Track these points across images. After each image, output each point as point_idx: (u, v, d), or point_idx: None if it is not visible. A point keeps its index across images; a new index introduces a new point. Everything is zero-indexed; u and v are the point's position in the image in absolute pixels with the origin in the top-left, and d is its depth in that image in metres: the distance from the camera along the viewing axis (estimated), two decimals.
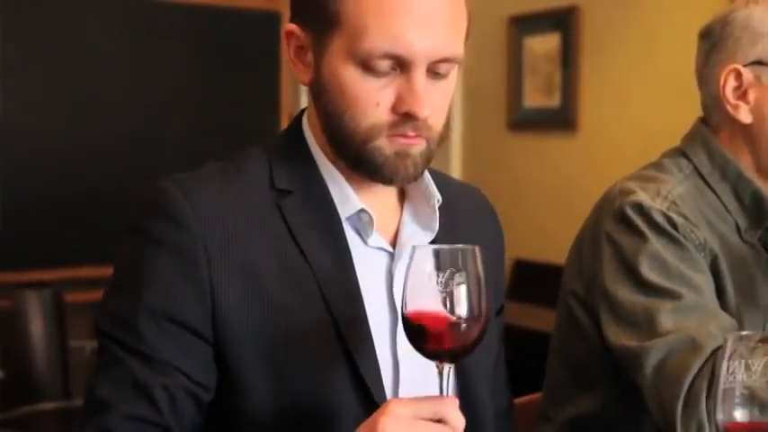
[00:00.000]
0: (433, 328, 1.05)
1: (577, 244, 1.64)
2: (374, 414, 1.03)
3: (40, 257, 4.24)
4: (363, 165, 1.21)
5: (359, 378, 1.20)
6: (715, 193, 1.56)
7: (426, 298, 1.05)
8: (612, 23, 4.29)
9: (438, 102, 1.20)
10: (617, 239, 1.50)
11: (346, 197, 1.26)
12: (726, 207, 1.56)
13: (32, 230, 4.24)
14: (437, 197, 1.30)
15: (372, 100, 1.18)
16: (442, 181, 1.37)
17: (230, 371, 1.19)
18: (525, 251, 4.56)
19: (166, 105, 4.53)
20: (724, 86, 1.55)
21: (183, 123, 4.57)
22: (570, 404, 1.63)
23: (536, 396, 1.78)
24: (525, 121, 4.77)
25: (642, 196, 1.51)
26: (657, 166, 1.62)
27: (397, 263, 1.26)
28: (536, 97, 4.71)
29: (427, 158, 1.23)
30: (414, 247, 1.07)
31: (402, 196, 1.33)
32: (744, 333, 1.05)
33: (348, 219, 1.26)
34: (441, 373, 1.08)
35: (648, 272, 1.45)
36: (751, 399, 1.01)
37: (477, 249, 1.06)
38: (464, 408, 1.17)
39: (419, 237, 1.29)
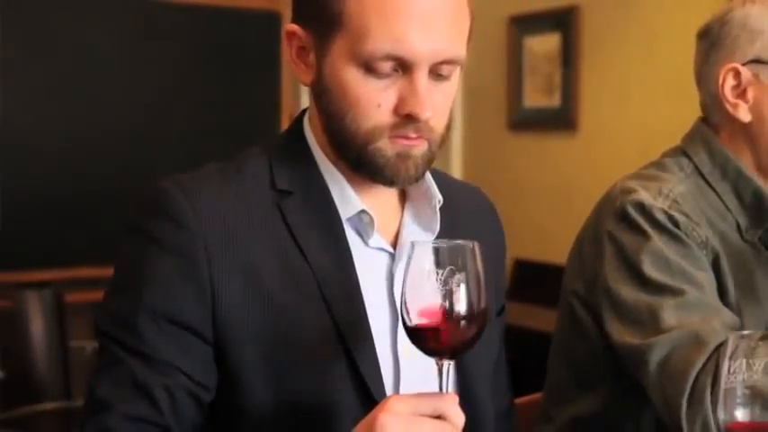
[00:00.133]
0: (433, 324, 1.05)
1: (578, 244, 1.64)
2: (373, 410, 1.03)
3: (41, 257, 4.24)
4: (365, 166, 1.21)
5: (359, 377, 1.20)
6: (716, 193, 1.57)
7: (425, 294, 1.05)
8: (613, 23, 4.29)
9: (440, 103, 1.20)
10: (619, 238, 1.50)
11: (347, 198, 1.26)
12: (726, 206, 1.56)
13: (32, 230, 4.24)
14: (438, 198, 1.30)
15: (374, 101, 1.17)
16: (443, 181, 1.37)
17: (230, 370, 1.18)
18: (525, 251, 4.56)
19: (166, 105, 4.53)
20: (723, 85, 1.55)
21: (183, 123, 4.57)
22: (571, 404, 1.63)
23: (536, 396, 1.78)
24: (525, 121, 4.77)
25: (644, 195, 1.51)
26: (658, 165, 1.62)
27: (397, 263, 1.26)
28: (536, 97, 4.70)
29: (428, 160, 1.23)
30: (413, 244, 1.07)
31: (403, 197, 1.33)
32: (744, 333, 1.05)
33: (349, 220, 1.26)
34: (440, 370, 1.08)
35: (651, 269, 1.45)
36: (752, 398, 1.01)
37: (475, 245, 1.07)
38: (464, 407, 1.17)
39: (420, 237, 1.29)
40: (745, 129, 1.56)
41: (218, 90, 4.65)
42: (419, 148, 1.20)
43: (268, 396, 1.18)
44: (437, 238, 1.30)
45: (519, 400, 1.58)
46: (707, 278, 1.47)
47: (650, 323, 1.42)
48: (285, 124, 4.66)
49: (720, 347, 1.32)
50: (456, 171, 5.06)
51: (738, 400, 1.01)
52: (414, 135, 1.19)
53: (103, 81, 4.38)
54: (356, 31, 1.15)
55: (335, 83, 1.19)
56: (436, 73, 1.18)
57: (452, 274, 1.05)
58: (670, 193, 1.52)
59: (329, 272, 1.22)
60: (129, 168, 4.34)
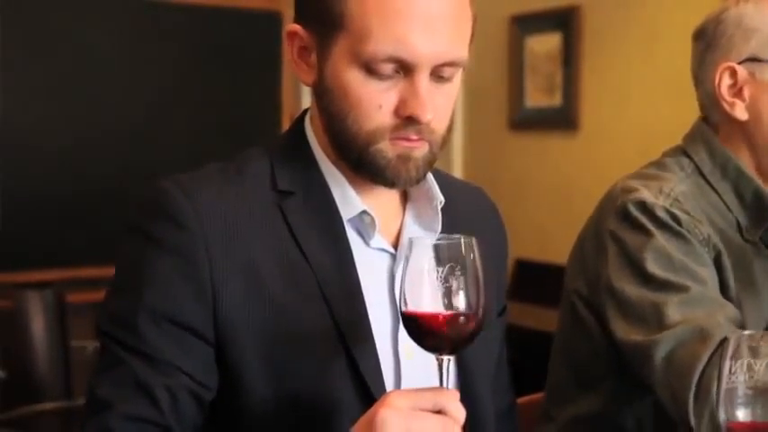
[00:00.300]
0: (432, 320, 1.06)
1: (579, 243, 1.64)
2: (374, 406, 1.03)
3: (41, 258, 4.24)
4: (366, 167, 1.21)
5: (359, 377, 1.20)
6: (716, 192, 1.57)
7: (425, 290, 1.06)
8: (614, 23, 4.29)
9: (441, 105, 1.20)
10: (621, 237, 1.50)
11: (348, 199, 1.26)
12: (727, 205, 1.56)
13: (33, 230, 4.24)
14: (440, 198, 1.30)
15: (375, 103, 1.17)
16: (445, 181, 1.36)
17: (231, 370, 1.18)
18: (526, 251, 4.56)
19: (166, 105, 4.53)
20: (719, 85, 1.55)
21: (183, 123, 4.57)
22: (572, 404, 1.63)
23: (537, 396, 1.78)
24: (526, 121, 4.77)
25: (645, 193, 1.51)
26: (659, 164, 1.62)
27: (398, 264, 1.26)
28: (537, 97, 4.70)
29: (429, 162, 1.23)
30: (411, 240, 1.08)
31: (404, 197, 1.33)
32: (745, 333, 1.05)
33: (350, 220, 1.26)
34: (440, 366, 1.08)
35: (654, 267, 1.45)
36: (754, 398, 1.01)
37: (473, 241, 1.07)
38: (465, 406, 1.17)
39: None
40: (742, 127, 1.56)
41: (218, 90, 4.65)
42: (420, 150, 1.20)
43: (268, 396, 1.18)
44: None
45: (520, 400, 1.58)
46: (710, 274, 1.48)
47: (654, 320, 1.42)
48: (286, 124, 4.67)
49: (724, 342, 1.32)
50: (457, 171, 5.06)
51: (740, 400, 1.01)
52: (415, 137, 1.18)
53: (103, 81, 4.38)
54: (358, 33, 1.15)
55: (337, 84, 1.19)
56: (438, 75, 1.18)
57: (451, 270, 1.05)
58: (671, 192, 1.52)
59: (330, 272, 1.22)
60: (129, 168, 4.34)
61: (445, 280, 1.05)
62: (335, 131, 1.22)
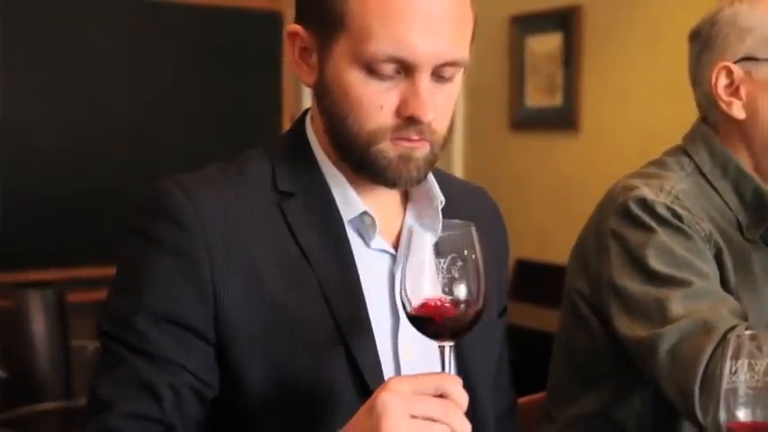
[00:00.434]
0: (432, 308, 1.06)
1: (580, 243, 1.64)
2: (375, 392, 1.03)
3: (41, 258, 4.24)
4: (367, 168, 1.21)
5: (359, 376, 1.20)
6: (716, 191, 1.57)
7: (425, 278, 1.07)
8: (614, 23, 4.29)
9: (442, 105, 1.19)
10: (623, 235, 1.50)
11: (349, 199, 1.26)
12: (727, 204, 1.56)
13: (33, 230, 4.24)
14: (440, 199, 1.29)
15: (376, 103, 1.17)
16: (446, 181, 1.36)
17: (231, 369, 1.18)
18: (527, 251, 4.56)
19: (167, 105, 4.53)
20: (716, 85, 1.56)
21: (183, 123, 4.56)
22: (573, 404, 1.63)
23: (538, 396, 1.78)
24: (527, 121, 4.77)
25: (645, 191, 1.51)
26: (659, 163, 1.63)
27: (398, 265, 1.26)
28: (538, 97, 4.70)
29: (430, 162, 1.23)
30: (410, 229, 1.09)
31: (405, 198, 1.33)
32: (746, 333, 1.05)
33: (350, 221, 1.25)
34: (442, 353, 1.08)
35: (656, 263, 1.45)
36: (754, 398, 1.01)
37: (473, 228, 1.08)
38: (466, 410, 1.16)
39: None
40: (740, 127, 1.57)
41: (218, 90, 4.65)
42: (421, 151, 1.20)
43: (269, 395, 1.18)
44: None
45: (520, 400, 1.58)
46: (711, 270, 1.48)
47: (658, 314, 1.42)
48: (286, 125, 4.67)
49: (731, 331, 1.33)
50: (457, 171, 5.06)
51: (740, 400, 1.01)
52: (416, 137, 1.18)
53: (103, 81, 4.38)
54: (359, 33, 1.15)
55: (338, 84, 1.19)
56: (439, 75, 1.18)
57: (451, 259, 1.06)
58: (672, 190, 1.53)
59: (331, 272, 1.22)
60: (129, 168, 4.34)
61: (446, 270, 1.06)
62: (336, 132, 1.22)
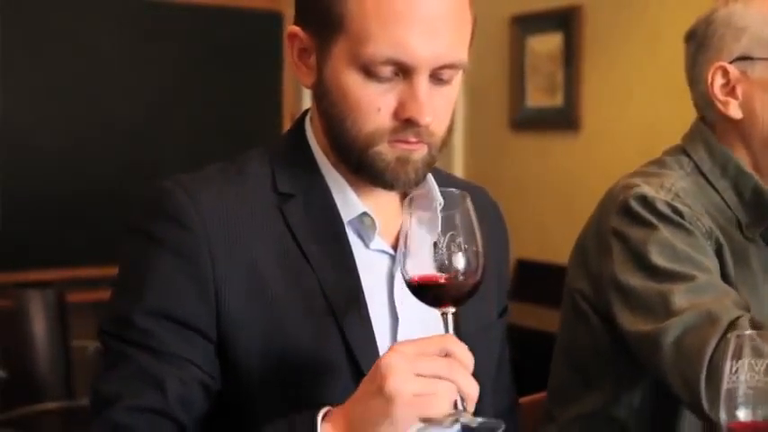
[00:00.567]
0: (433, 279, 1.07)
1: (581, 242, 1.64)
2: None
3: (41, 258, 4.24)
4: (365, 169, 1.21)
5: (360, 375, 1.19)
6: (716, 190, 1.57)
7: (424, 250, 1.08)
8: (615, 23, 4.28)
9: (440, 108, 1.19)
10: (624, 232, 1.50)
11: (348, 200, 1.26)
12: (727, 203, 1.57)
13: (33, 230, 4.25)
14: (439, 200, 1.29)
15: (374, 105, 1.17)
16: (447, 181, 1.36)
17: (233, 368, 1.19)
18: (527, 251, 4.56)
19: (167, 105, 4.53)
20: (712, 84, 1.57)
21: (183, 123, 4.57)
22: (575, 403, 1.63)
23: (538, 396, 1.78)
24: (528, 121, 4.77)
25: (646, 189, 1.51)
26: (659, 163, 1.63)
27: (398, 265, 1.26)
28: (538, 97, 4.70)
29: (429, 164, 1.23)
30: (411, 199, 1.11)
31: (404, 198, 1.33)
32: (746, 332, 1.05)
33: (350, 222, 1.26)
34: (445, 319, 1.09)
35: (659, 258, 1.45)
36: (755, 398, 1.01)
37: (467, 198, 1.10)
38: (464, 407, 1.16)
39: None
40: (737, 126, 1.57)
41: (219, 90, 4.65)
42: (419, 153, 1.20)
43: (269, 393, 1.18)
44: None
45: (521, 400, 1.58)
46: (714, 265, 1.48)
47: (662, 308, 1.42)
48: (287, 125, 4.67)
49: (736, 321, 1.33)
50: (458, 171, 5.05)
51: (740, 400, 1.01)
52: (414, 139, 1.18)
53: (103, 81, 4.38)
54: (357, 35, 1.15)
55: (336, 86, 1.19)
56: (437, 77, 1.17)
57: (453, 238, 1.08)
58: (672, 187, 1.53)
59: (331, 273, 1.22)
60: (129, 168, 4.35)
61: (446, 247, 1.07)
62: (335, 134, 1.22)
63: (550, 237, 4.52)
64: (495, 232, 1.45)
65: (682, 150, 1.63)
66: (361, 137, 1.19)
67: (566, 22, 4.48)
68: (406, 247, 1.09)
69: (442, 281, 1.08)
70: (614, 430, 1.59)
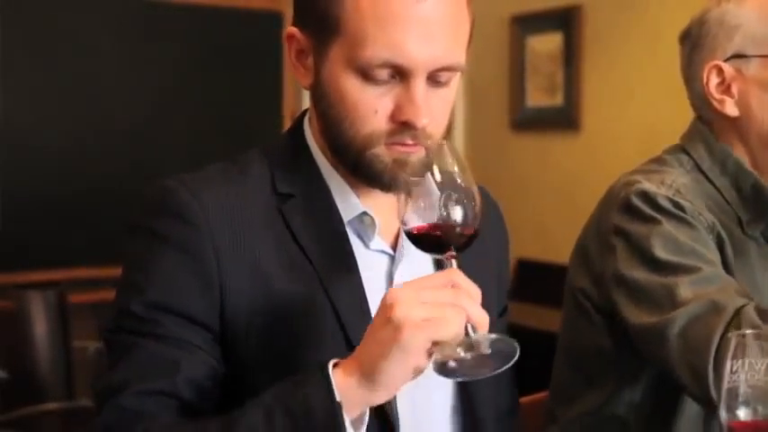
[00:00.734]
0: (433, 229, 1.08)
1: (582, 242, 1.64)
2: None
3: (42, 258, 4.24)
4: (362, 171, 1.21)
5: None
6: (715, 188, 1.58)
7: (424, 206, 1.09)
8: (615, 23, 4.28)
9: (437, 110, 1.19)
10: (626, 229, 1.50)
11: (348, 200, 1.26)
12: (727, 200, 1.57)
13: (32, 231, 4.25)
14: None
15: (371, 108, 1.17)
16: None
17: (235, 366, 1.19)
18: (528, 251, 4.56)
19: (167, 105, 4.53)
20: (707, 84, 1.58)
21: (184, 123, 4.57)
22: (577, 403, 1.63)
23: (539, 395, 1.78)
24: (528, 121, 4.77)
25: (647, 185, 1.52)
26: (659, 161, 1.63)
27: (397, 265, 1.26)
28: (538, 97, 4.70)
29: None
30: (414, 165, 1.12)
31: None
32: (747, 332, 1.05)
33: (349, 222, 1.26)
34: (450, 265, 1.09)
35: (662, 252, 1.45)
36: (755, 397, 1.01)
37: (448, 147, 1.10)
38: (464, 405, 1.16)
39: None
40: (734, 124, 1.58)
41: (219, 90, 4.65)
42: (416, 155, 1.20)
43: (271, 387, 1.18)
44: None
45: (522, 400, 1.58)
46: (717, 258, 1.48)
47: (667, 300, 1.42)
48: (287, 125, 4.66)
49: (742, 309, 1.33)
50: None
51: (741, 400, 1.01)
52: (410, 142, 1.18)
53: (103, 81, 4.38)
54: (354, 38, 1.15)
55: (333, 88, 1.19)
56: (434, 80, 1.17)
57: (449, 196, 1.08)
58: (673, 183, 1.53)
59: (333, 271, 1.22)
60: (130, 168, 4.35)
61: (444, 205, 1.08)
62: (332, 135, 1.22)
63: (551, 236, 4.53)
64: (495, 232, 1.45)
65: (681, 149, 1.63)
66: (358, 139, 1.19)
67: (566, 22, 4.48)
68: (405, 209, 1.10)
69: (439, 232, 1.08)
70: (615, 428, 1.59)
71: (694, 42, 1.61)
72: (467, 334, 1.03)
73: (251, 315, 1.18)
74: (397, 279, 1.24)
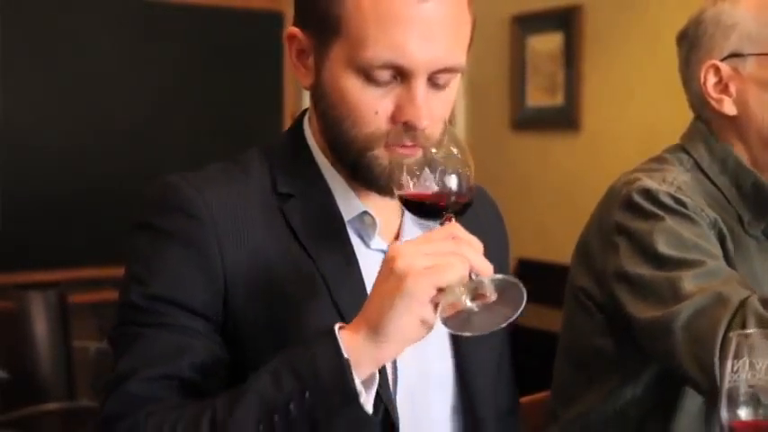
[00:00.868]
0: (430, 196, 1.08)
1: (583, 241, 1.64)
2: None
3: (43, 258, 4.24)
4: (361, 172, 1.21)
5: None
6: (716, 186, 1.58)
7: (420, 178, 1.09)
8: (615, 23, 4.28)
9: (437, 111, 1.19)
10: (629, 227, 1.50)
11: (348, 200, 1.26)
12: (727, 199, 1.57)
13: (32, 231, 4.25)
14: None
15: (371, 109, 1.17)
16: None
17: (237, 363, 1.19)
18: (528, 250, 4.56)
19: (167, 105, 4.53)
20: (705, 83, 1.58)
21: (184, 123, 4.57)
22: (578, 401, 1.63)
23: (540, 395, 1.78)
24: (528, 121, 4.77)
25: (648, 182, 1.52)
26: (659, 159, 1.64)
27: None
28: (539, 97, 4.70)
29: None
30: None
31: None
32: (747, 331, 1.05)
33: (350, 222, 1.26)
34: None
35: (665, 247, 1.45)
36: (756, 397, 1.01)
37: (450, 130, 1.11)
38: (464, 404, 1.16)
39: None
40: (733, 123, 1.58)
41: (219, 90, 4.65)
42: (414, 158, 1.20)
43: None
44: None
45: (522, 400, 1.58)
46: (720, 251, 1.49)
47: (671, 294, 1.42)
48: (287, 125, 4.66)
49: (746, 300, 1.32)
50: None
51: (742, 399, 1.01)
52: (410, 143, 1.18)
53: (103, 81, 4.38)
54: (355, 39, 1.15)
55: (334, 88, 1.19)
56: (434, 81, 1.17)
57: (440, 171, 1.09)
58: (674, 181, 1.53)
59: (334, 269, 1.22)
60: (130, 168, 4.35)
61: (439, 180, 1.08)
62: (332, 135, 1.22)
63: (551, 236, 4.53)
64: (495, 232, 1.45)
65: (681, 149, 1.64)
66: (359, 139, 1.19)
67: (566, 21, 4.48)
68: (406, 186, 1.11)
69: (439, 203, 1.09)
70: (615, 427, 1.59)
71: (691, 43, 1.62)
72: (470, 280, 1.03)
73: (254, 311, 1.18)
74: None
